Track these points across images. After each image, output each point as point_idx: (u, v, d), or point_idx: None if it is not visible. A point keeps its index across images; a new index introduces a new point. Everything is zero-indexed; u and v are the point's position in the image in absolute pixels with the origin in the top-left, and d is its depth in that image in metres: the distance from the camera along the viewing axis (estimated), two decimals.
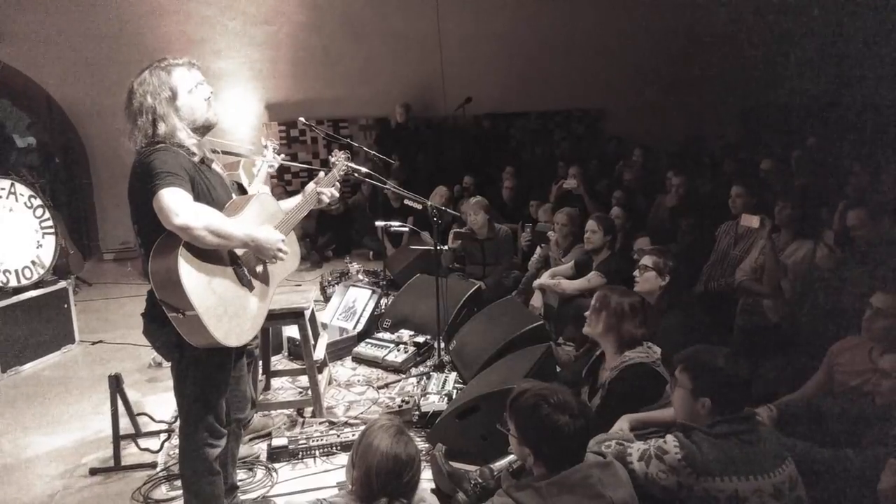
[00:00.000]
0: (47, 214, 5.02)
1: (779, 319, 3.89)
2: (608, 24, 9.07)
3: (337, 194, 2.84)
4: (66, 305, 5.04)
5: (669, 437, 2.12)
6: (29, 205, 4.91)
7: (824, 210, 4.67)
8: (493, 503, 1.89)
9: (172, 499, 2.97)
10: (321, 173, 2.87)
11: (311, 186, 2.79)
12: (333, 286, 5.71)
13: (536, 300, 4.83)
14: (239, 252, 2.36)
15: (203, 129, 2.40)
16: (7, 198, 4.77)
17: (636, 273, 3.61)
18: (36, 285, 4.83)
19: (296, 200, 2.74)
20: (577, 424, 1.91)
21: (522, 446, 1.99)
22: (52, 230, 5.03)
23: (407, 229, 6.15)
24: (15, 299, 4.66)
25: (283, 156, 3.63)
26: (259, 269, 2.46)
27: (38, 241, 4.92)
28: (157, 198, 2.09)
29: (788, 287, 3.94)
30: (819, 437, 2.59)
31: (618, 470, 1.99)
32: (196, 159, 2.30)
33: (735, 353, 2.23)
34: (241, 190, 2.74)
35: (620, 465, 2.04)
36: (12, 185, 4.83)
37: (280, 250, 2.37)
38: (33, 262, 4.84)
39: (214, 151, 2.52)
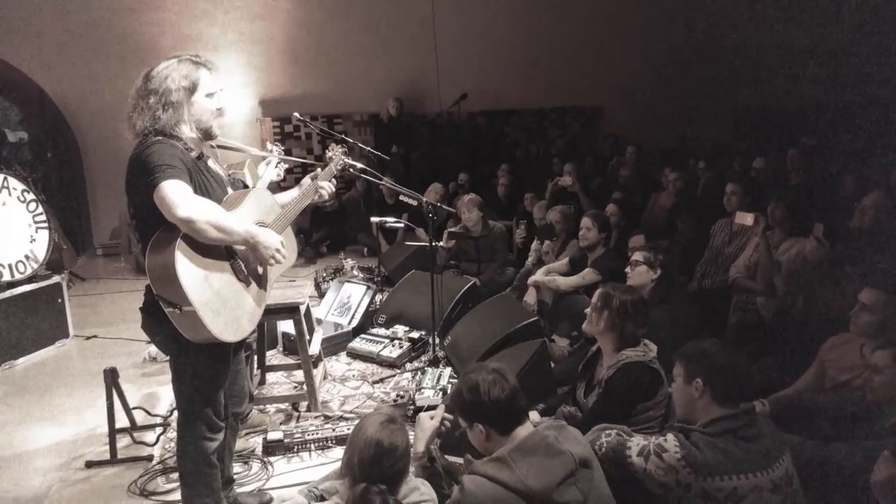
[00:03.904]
0: (40, 209, 5.00)
1: (772, 316, 3.92)
2: (605, 21, 9.10)
3: (333, 189, 2.85)
4: (59, 300, 5.03)
5: (670, 436, 2.14)
6: (22, 199, 4.89)
7: (817, 207, 4.69)
8: (463, 487, 1.90)
9: (169, 491, 2.97)
10: (318, 169, 2.87)
11: (307, 180, 2.79)
12: (328, 282, 5.70)
13: (530, 297, 4.85)
14: (237, 247, 2.36)
15: (203, 134, 2.39)
16: (0, 192, 4.74)
17: (627, 269, 3.66)
18: (30, 280, 4.81)
19: (292, 194, 2.73)
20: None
21: (473, 427, 2.04)
22: (46, 225, 5.01)
23: (402, 225, 6.15)
24: (8, 294, 4.64)
25: (285, 166, 3.63)
26: (257, 264, 2.46)
27: (32, 236, 4.90)
28: (158, 190, 2.08)
29: (781, 284, 3.98)
30: (811, 432, 2.62)
31: (572, 432, 2.04)
32: (193, 154, 2.29)
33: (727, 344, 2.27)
34: (244, 188, 2.75)
35: (575, 429, 2.08)
36: (5, 179, 4.81)
37: (278, 251, 2.33)
38: (27, 257, 4.83)
39: (212, 147, 2.51)
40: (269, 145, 3.64)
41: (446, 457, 2.70)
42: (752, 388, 2.26)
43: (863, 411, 2.59)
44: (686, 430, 2.15)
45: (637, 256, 3.65)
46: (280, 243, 2.35)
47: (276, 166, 3.48)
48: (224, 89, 2.43)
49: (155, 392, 4.09)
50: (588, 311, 2.88)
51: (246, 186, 2.75)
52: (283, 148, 3.67)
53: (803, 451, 2.46)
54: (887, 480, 2.05)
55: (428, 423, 2.29)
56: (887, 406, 2.48)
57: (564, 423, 2.08)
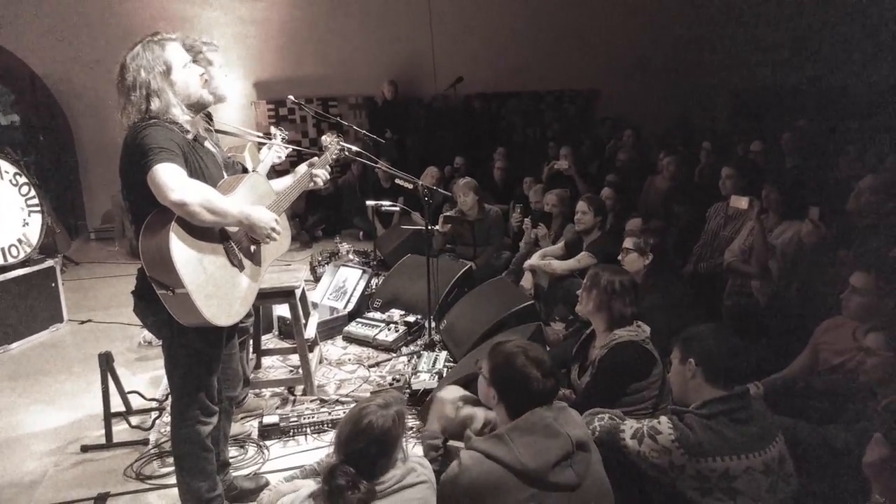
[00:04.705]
0: (33, 192, 4.96)
1: (766, 300, 3.93)
2: (602, 4, 9.01)
3: (328, 176, 2.83)
4: (53, 284, 5.00)
5: (664, 419, 2.16)
6: (14, 182, 4.85)
7: (813, 191, 4.69)
8: (461, 461, 1.90)
9: (164, 475, 2.98)
10: (315, 158, 2.86)
11: (303, 167, 2.78)
12: (323, 266, 5.70)
13: (526, 281, 4.86)
14: (231, 231, 2.34)
15: (197, 107, 2.36)
16: None
17: (620, 257, 3.67)
18: (23, 264, 4.79)
19: (286, 181, 2.72)
20: (547, 383, 1.99)
21: (490, 388, 2.06)
22: (39, 208, 4.97)
23: (397, 209, 6.14)
24: (1, 277, 4.62)
25: (289, 148, 3.61)
26: (251, 248, 2.45)
27: (25, 220, 4.87)
28: (152, 173, 2.06)
29: (776, 268, 3.98)
30: (805, 414, 2.63)
31: (572, 413, 2.05)
32: (189, 136, 2.27)
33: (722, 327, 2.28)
34: (244, 172, 2.73)
35: (575, 411, 2.10)
36: None
37: (273, 230, 2.34)
38: (20, 241, 4.79)
39: (209, 130, 2.49)
40: (273, 130, 3.65)
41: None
42: (744, 369, 2.27)
43: (855, 393, 2.61)
44: (680, 412, 2.17)
45: (627, 244, 3.67)
46: (274, 220, 2.35)
47: (278, 150, 3.49)
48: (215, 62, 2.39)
49: (150, 376, 4.09)
50: (579, 291, 2.91)
51: (245, 170, 2.73)
52: (286, 133, 3.67)
53: (797, 433, 2.47)
54: (879, 462, 2.06)
55: (451, 410, 2.27)
56: (879, 388, 2.49)
57: (565, 404, 2.09)
